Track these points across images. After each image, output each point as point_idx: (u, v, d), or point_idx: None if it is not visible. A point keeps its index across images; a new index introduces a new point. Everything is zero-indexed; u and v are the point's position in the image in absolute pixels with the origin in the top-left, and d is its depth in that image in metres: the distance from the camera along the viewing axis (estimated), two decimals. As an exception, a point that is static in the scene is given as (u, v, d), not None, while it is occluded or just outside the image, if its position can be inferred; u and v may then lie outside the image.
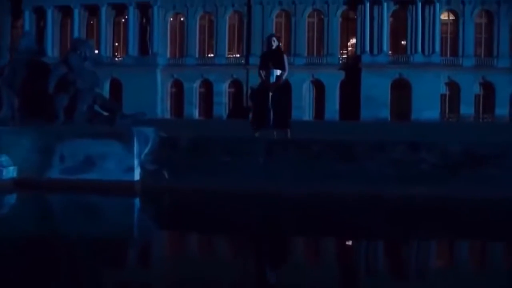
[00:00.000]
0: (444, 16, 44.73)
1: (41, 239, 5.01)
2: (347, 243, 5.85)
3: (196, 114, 47.72)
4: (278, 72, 9.22)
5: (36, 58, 8.38)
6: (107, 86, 46.48)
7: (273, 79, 9.20)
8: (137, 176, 7.68)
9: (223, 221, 6.26)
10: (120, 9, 47.10)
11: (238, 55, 47.80)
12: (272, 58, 9.24)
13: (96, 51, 47.76)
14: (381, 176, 7.36)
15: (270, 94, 9.11)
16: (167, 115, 47.55)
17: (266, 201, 7.39)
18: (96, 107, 8.25)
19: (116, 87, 46.16)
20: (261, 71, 9.34)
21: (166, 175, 7.71)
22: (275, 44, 9.31)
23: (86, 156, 7.60)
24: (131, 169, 7.59)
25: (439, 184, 7.28)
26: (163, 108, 47.37)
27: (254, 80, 43.70)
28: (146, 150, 7.89)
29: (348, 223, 6.39)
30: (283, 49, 9.48)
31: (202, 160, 7.75)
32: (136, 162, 7.66)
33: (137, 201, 7.65)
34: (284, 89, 9.35)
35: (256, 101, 9.43)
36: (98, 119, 8.01)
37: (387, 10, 43.99)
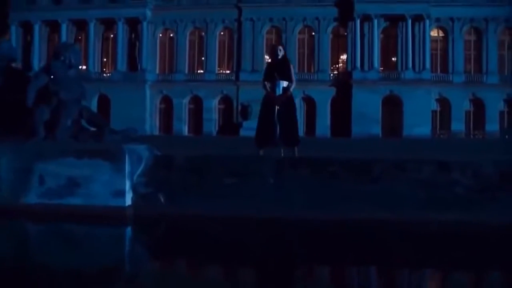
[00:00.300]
0: (433, 33, 44.55)
1: (12, 278, 3.96)
2: (371, 276, 4.90)
3: (185, 130, 46.68)
4: (285, 83, 8.32)
5: (14, 66, 7.33)
6: (95, 102, 45.44)
7: (279, 91, 8.30)
8: (128, 200, 6.62)
9: (229, 253, 5.25)
10: (109, 25, 46.12)
11: (228, 71, 47.14)
12: (277, 69, 8.34)
13: (84, 67, 46.75)
14: (407, 199, 6.42)
15: (277, 107, 8.19)
16: (156, 132, 46.44)
17: (277, 228, 6.39)
18: (83, 122, 7.22)
19: (104, 103, 45.02)
20: (265, 83, 8.41)
21: (162, 200, 6.66)
22: (281, 53, 8.41)
23: (69, 178, 6.53)
24: (121, 193, 6.53)
25: (473, 208, 6.36)
26: (152, 125, 46.26)
27: (244, 96, 43.28)
28: (139, 171, 6.85)
29: (372, 253, 5.43)
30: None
31: (203, 182, 6.72)
32: (127, 184, 6.61)
33: (128, 230, 6.54)
34: (291, 102, 8.42)
35: (261, 116, 8.47)
36: (84, 135, 6.95)
37: (377, 27, 43.67)
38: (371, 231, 6.28)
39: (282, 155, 7.96)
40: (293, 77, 8.46)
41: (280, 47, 8.47)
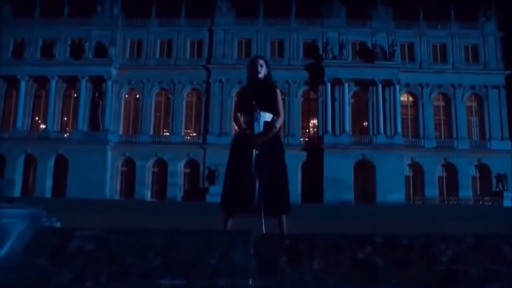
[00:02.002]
0: (404, 98, 43.44)
1: None
2: None
3: (148, 195, 42.68)
4: (268, 116, 5.16)
5: None
6: (51, 163, 41.52)
7: (259, 128, 5.11)
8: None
9: None
10: (72, 82, 42.89)
11: (195, 134, 44.13)
12: (257, 94, 5.21)
13: (43, 126, 43.15)
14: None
15: (255, 152, 5.01)
16: (117, 196, 42.32)
17: None
18: None
19: (61, 164, 41.03)
20: (238, 115, 5.26)
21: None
22: (262, 71, 5.28)
23: None
24: None
25: None
26: (112, 188, 42.11)
27: (212, 160, 40.16)
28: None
29: None
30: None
31: (121, 281, 3.32)
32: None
33: None
34: (277, 145, 5.24)
35: (230, 165, 5.22)
36: None
37: (348, 91, 42.21)
38: None
39: (264, 229, 4.70)
40: (280, 108, 5.33)
41: (262, 62, 5.31)
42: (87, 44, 42.45)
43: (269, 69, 5.43)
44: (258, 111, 5.13)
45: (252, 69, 5.27)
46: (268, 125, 5.11)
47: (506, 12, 43.87)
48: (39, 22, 43.54)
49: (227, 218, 5.04)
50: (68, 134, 42.62)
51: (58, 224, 4.29)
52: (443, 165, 41.75)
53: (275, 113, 5.20)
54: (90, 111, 42.88)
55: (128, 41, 44.33)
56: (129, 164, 43.04)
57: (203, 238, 3.69)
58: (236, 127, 5.21)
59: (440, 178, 41.81)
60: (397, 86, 41.73)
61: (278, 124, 5.19)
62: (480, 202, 39.08)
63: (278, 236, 4.12)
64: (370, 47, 42.82)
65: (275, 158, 5.20)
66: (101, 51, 42.81)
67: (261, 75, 5.27)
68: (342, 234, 3.89)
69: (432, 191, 40.81)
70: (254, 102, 5.14)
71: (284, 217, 5.14)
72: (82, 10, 43.39)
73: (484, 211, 31.08)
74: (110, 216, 16.86)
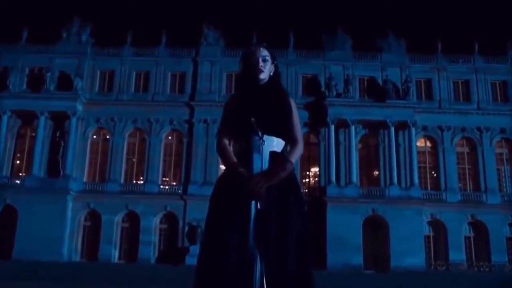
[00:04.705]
0: (421, 143, 42.24)
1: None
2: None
3: (115, 256, 40.39)
4: (276, 143, 3.38)
5: None
6: (-4, 215, 39.27)
7: (261, 164, 3.32)
8: None
9: None
10: (28, 119, 41.33)
11: (174, 183, 42.56)
12: (259, 107, 3.44)
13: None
14: None
15: (256, 206, 3.19)
16: (77, 257, 40.04)
17: None
18: None
19: (9, 216, 38.79)
20: (225, 142, 3.46)
21: None
22: (266, 68, 3.56)
23: None
24: None
25: None
26: (71, 248, 39.80)
27: (193, 214, 37.73)
28: None
29: None
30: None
31: None
32: None
33: None
34: (293, 193, 3.42)
35: (213, 230, 3.31)
36: None
37: (355, 135, 40.99)
38: None
39: None
40: (298, 130, 3.59)
41: (266, 53, 3.61)
42: (48, 74, 41.14)
43: (277, 68, 3.72)
44: (261, 135, 3.37)
45: (249, 65, 3.59)
46: (278, 158, 3.33)
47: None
48: (-11, 48, 42.75)
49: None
50: (20, 180, 40.72)
51: None
52: (470, 223, 40.01)
53: (289, 139, 3.46)
54: (49, 153, 41.09)
55: (98, 72, 43.23)
56: (94, 217, 41.01)
57: None
58: (221, 163, 3.43)
59: (467, 238, 39.97)
60: (413, 129, 40.69)
61: (294, 156, 3.44)
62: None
63: None
64: (381, 83, 42.23)
65: (289, 215, 3.38)
66: (65, 83, 41.48)
67: (263, 76, 3.54)
68: None
69: (458, 254, 38.79)
70: (253, 120, 3.39)
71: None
72: (44, 35, 42.72)
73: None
74: (62, 285, 15.45)
